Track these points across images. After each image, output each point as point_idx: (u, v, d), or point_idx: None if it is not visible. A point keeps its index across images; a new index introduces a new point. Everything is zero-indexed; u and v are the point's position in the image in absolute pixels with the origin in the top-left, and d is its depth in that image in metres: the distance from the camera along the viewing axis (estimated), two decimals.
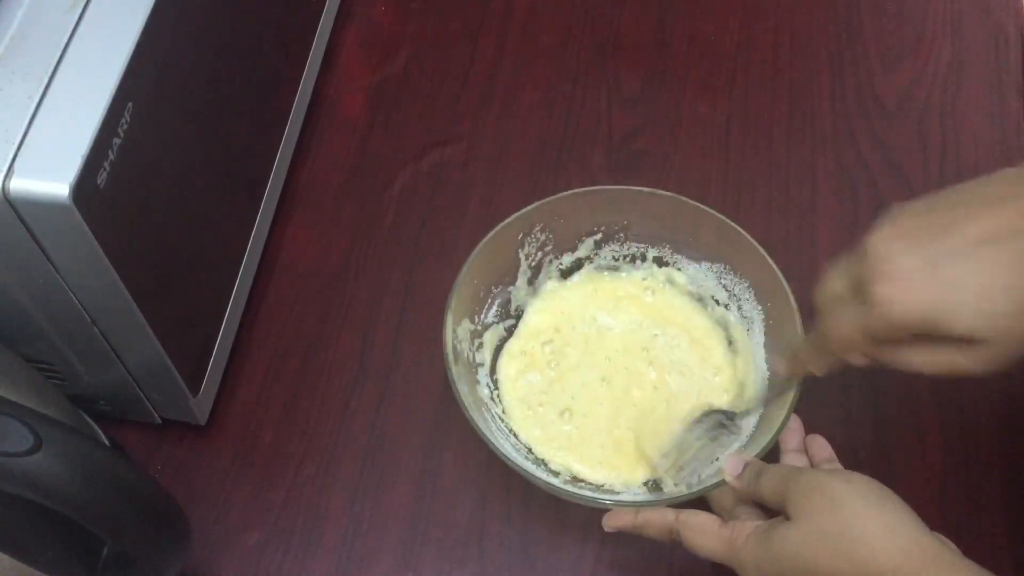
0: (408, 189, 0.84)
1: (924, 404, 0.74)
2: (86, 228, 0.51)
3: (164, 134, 0.58)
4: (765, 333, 0.71)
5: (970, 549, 0.55)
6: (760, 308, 0.71)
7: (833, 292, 0.56)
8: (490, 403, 0.71)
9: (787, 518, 0.56)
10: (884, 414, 0.74)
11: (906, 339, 0.52)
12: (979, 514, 0.70)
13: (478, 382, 0.71)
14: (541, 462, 0.69)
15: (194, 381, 0.69)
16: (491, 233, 0.71)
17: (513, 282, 0.74)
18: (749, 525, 0.58)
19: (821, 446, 0.65)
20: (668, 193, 0.73)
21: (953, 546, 0.56)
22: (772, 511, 0.59)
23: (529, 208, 0.72)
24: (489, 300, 0.73)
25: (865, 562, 0.52)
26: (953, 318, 0.49)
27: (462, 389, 0.66)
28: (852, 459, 0.66)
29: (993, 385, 0.75)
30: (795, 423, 0.66)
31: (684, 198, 0.72)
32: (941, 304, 0.49)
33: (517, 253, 0.73)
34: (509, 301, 0.75)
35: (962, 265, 0.49)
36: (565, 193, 0.73)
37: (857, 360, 0.56)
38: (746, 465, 0.61)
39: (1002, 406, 0.75)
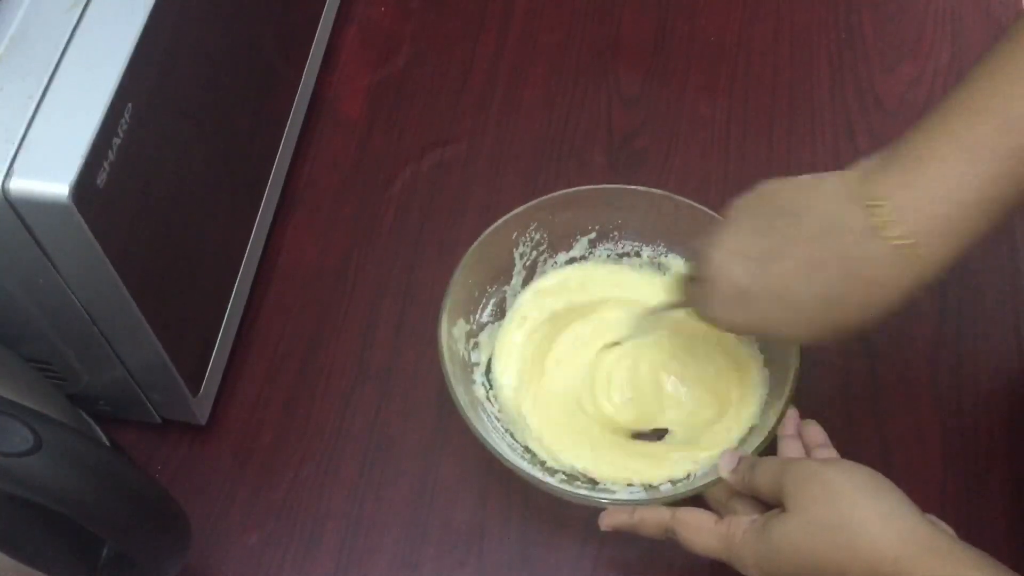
0: (408, 189, 0.84)
1: (924, 404, 0.74)
2: (86, 228, 0.51)
3: (164, 134, 0.59)
4: None
5: None
6: None
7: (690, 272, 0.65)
8: (486, 403, 0.71)
9: (784, 510, 0.56)
10: (884, 414, 0.74)
11: None
12: (979, 514, 0.70)
13: (474, 382, 0.71)
14: (539, 462, 0.69)
15: (194, 381, 0.69)
16: (485, 233, 0.71)
17: (508, 282, 0.74)
18: (745, 520, 0.58)
19: (815, 432, 0.65)
20: (661, 191, 0.73)
21: (949, 529, 0.56)
22: (768, 504, 0.59)
23: (523, 207, 0.72)
24: (484, 300, 0.73)
25: (864, 551, 0.52)
26: (768, 335, 0.62)
27: (458, 390, 0.66)
28: (852, 458, 0.66)
29: (993, 385, 0.75)
30: (790, 410, 0.66)
31: (678, 196, 0.73)
32: (757, 327, 0.60)
33: (512, 253, 0.73)
34: (504, 301, 0.75)
35: (773, 302, 0.56)
36: (559, 192, 0.73)
37: None
38: (740, 460, 0.61)
39: (1002, 406, 0.75)
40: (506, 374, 0.73)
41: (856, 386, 0.75)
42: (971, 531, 0.56)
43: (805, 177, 0.58)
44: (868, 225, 0.53)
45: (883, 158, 0.55)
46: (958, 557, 0.52)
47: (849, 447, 0.65)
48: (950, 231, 0.52)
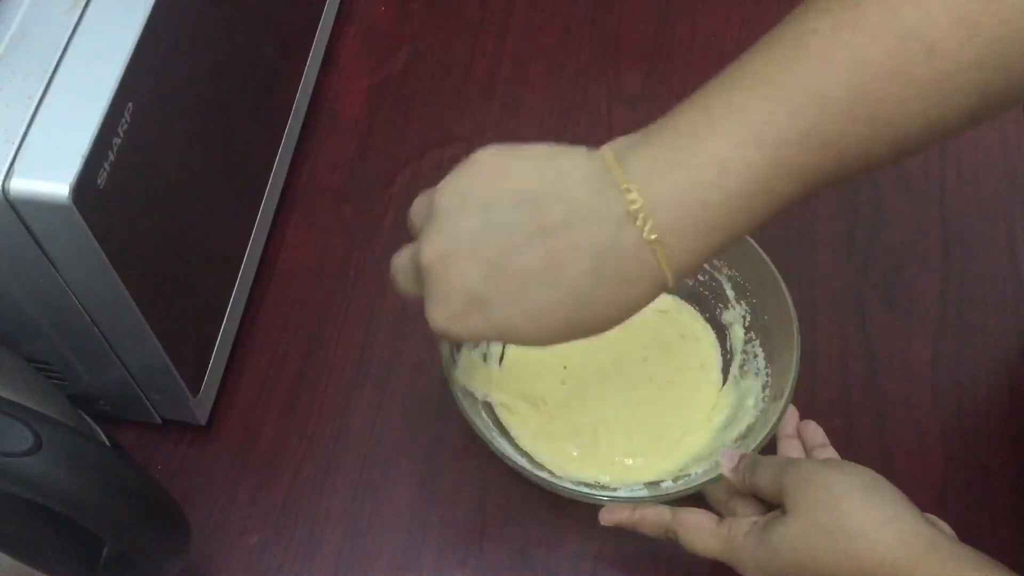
0: (408, 189, 0.84)
1: (924, 404, 0.74)
2: (86, 228, 0.51)
3: (164, 134, 0.59)
4: (753, 328, 0.72)
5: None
6: (751, 306, 0.72)
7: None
8: (487, 402, 0.71)
9: (784, 512, 0.56)
10: (884, 414, 0.74)
11: None
12: (980, 514, 0.70)
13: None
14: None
15: (194, 381, 0.69)
16: None
17: None
18: (746, 522, 0.58)
19: (814, 431, 0.65)
20: None
21: (949, 530, 0.56)
22: (768, 503, 0.59)
23: None
24: None
25: (863, 555, 0.52)
26: (507, 340, 0.50)
27: (458, 388, 0.66)
28: (852, 459, 0.66)
29: (993, 385, 0.75)
30: (790, 409, 0.66)
31: None
32: (493, 333, 0.49)
33: None
34: None
35: (511, 310, 0.47)
36: None
37: None
38: (741, 458, 0.61)
39: (1002, 405, 0.75)
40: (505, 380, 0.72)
41: (856, 386, 0.75)
42: (971, 532, 0.56)
43: (536, 147, 0.49)
44: (622, 213, 0.45)
45: (646, 132, 0.47)
46: (957, 558, 0.52)
47: (849, 448, 0.65)
48: (704, 224, 0.45)
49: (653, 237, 0.45)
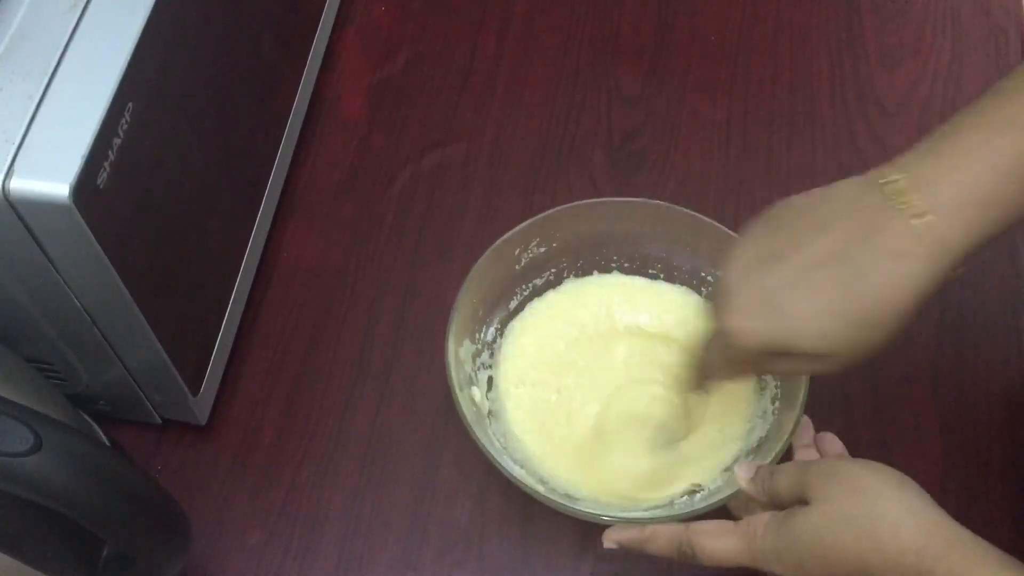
0: (408, 189, 0.84)
1: (924, 404, 0.74)
2: (86, 228, 0.51)
3: (164, 134, 0.59)
4: None
5: None
6: None
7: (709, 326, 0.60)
8: (489, 419, 0.69)
9: (806, 503, 0.55)
10: (884, 414, 0.74)
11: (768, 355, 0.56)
12: (980, 514, 0.70)
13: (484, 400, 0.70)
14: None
15: (194, 381, 0.69)
16: (487, 252, 0.69)
17: (512, 299, 0.73)
18: (766, 515, 0.57)
19: (832, 442, 0.65)
20: (665, 203, 0.72)
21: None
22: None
23: (525, 224, 0.70)
24: (488, 319, 0.72)
25: (887, 542, 0.51)
26: (794, 342, 0.54)
27: (467, 411, 0.64)
28: (852, 456, 0.66)
29: (993, 385, 0.75)
30: (805, 420, 0.66)
31: (683, 208, 0.71)
32: (780, 331, 0.54)
33: (514, 269, 0.72)
34: (509, 318, 0.73)
35: (794, 294, 0.53)
36: (562, 207, 0.71)
37: (742, 375, 0.63)
38: (758, 468, 0.60)
39: (1002, 405, 0.75)
40: (512, 402, 0.72)
41: (856, 386, 0.75)
42: (970, 528, 0.56)
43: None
44: (884, 201, 0.51)
45: (904, 155, 0.53)
46: (982, 552, 0.51)
47: (849, 447, 0.65)
48: (972, 201, 0.50)
49: (924, 211, 0.50)
